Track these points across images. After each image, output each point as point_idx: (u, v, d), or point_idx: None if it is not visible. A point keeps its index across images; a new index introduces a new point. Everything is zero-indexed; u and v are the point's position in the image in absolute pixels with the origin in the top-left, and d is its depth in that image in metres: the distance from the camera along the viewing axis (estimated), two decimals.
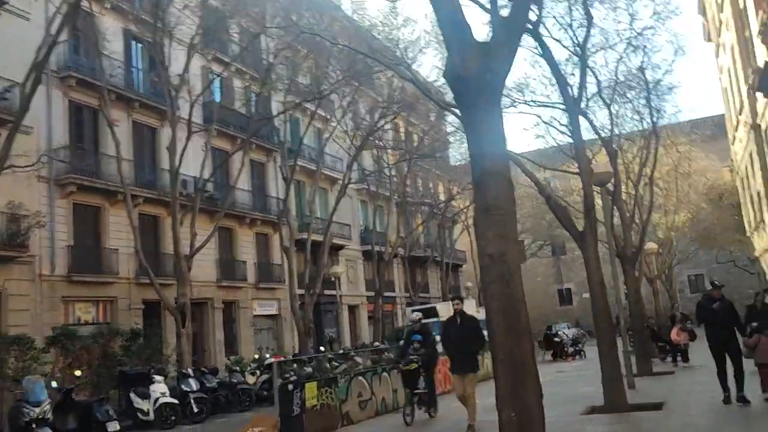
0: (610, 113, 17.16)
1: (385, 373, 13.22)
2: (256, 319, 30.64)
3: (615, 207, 17.89)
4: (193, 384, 16.07)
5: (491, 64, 5.16)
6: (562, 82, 10.73)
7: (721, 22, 30.53)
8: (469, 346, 10.07)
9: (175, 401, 15.32)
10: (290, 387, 10.58)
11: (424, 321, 12.36)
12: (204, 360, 26.00)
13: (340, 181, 29.03)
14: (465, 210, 44.11)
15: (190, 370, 17.02)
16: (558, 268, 56.45)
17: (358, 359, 22.22)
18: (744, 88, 26.22)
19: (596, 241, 10.50)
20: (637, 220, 21.28)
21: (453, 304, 10.69)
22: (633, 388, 13.36)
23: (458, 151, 41.50)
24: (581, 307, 49.68)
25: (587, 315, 21.30)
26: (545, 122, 18.95)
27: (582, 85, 11.19)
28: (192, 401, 15.63)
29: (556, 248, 52.07)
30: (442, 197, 43.94)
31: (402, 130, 39.26)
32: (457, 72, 5.18)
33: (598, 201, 15.59)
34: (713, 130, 38.85)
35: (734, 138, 34.50)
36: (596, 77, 16.72)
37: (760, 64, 18.27)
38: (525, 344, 5.06)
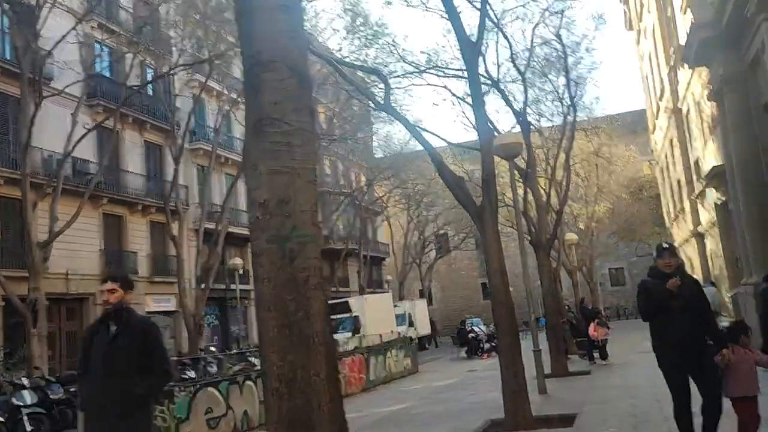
0: (524, 81, 15.42)
1: (249, 382, 10.77)
2: (151, 316, 27.95)
3: (529, 189, 16.24)
4: (28, 397, 13.10)
5: None
6: (458, 26, 8.67)
7: (642, 6, 29.72)
8: (126, 380, 4.40)
9: (0, 419, 12.44)
10: None
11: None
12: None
13: None
14: (386, 198, 42.13)
15: (24, 380, 14.03)
16: (482, 261, 55.22)
17: (255, 360, 19.88)
18: (665, 72, 25.31)
19: (496, 219, 8.48)
20: (555, 207, 19.81)
21: (103, 292, 4.64)
22: (544, 392, 11.59)
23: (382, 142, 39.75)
24: None
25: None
26: (457, 96, 17.03)
27: (481, 28, 9.20)
28: (24, 418, 12.74)
29: (480, 241, 50.97)
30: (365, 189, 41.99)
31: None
32: None
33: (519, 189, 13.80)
34: (634, 121, 38.42)
35: (654, 127, 33.98)
36: (510, 44, 14.97)
37: (683, 37, 17.01)
38: (316, 364, 2.79)
